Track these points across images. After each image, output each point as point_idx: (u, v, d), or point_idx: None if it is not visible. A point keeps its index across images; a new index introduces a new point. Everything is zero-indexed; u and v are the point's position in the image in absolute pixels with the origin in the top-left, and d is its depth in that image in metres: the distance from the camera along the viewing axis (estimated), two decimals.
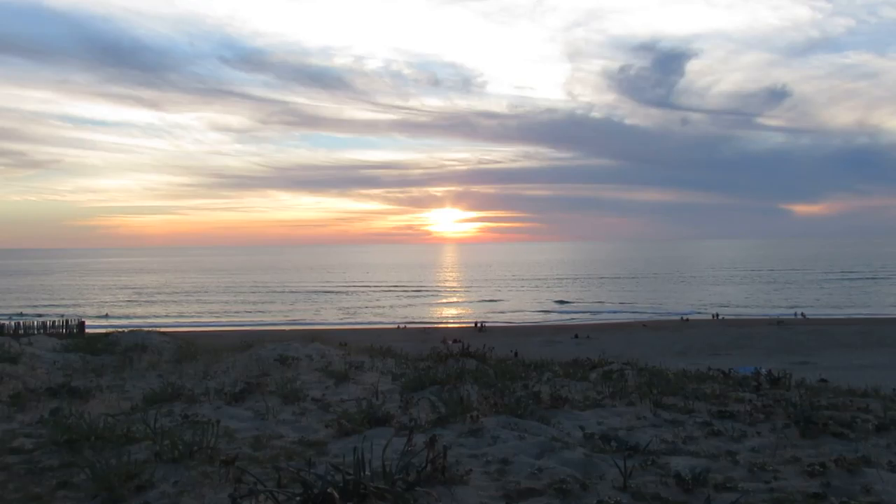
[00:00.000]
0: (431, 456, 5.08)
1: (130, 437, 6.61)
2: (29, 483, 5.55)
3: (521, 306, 70.63)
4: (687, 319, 52.56)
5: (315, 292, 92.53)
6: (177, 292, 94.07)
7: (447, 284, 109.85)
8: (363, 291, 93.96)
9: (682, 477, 5.10)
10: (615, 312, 62.58)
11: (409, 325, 52.32)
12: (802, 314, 54.32)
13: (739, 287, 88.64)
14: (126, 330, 18.90)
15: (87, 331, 26.17)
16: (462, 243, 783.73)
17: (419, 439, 5.85)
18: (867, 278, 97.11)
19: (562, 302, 72.16)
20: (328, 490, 4.27)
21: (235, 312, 67.77)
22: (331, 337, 18.13)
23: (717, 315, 55.15)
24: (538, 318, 60.84)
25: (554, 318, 58.97)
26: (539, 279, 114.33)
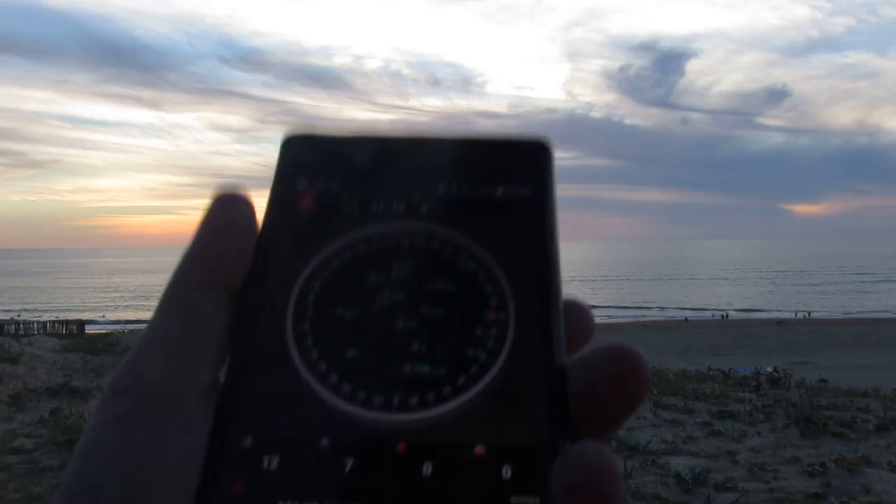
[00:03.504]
0: None
1: None
2: (29, 483, 5.54)
3: None
4: (687, 319, 52.67)
5: None
6: None
7: None
8: None
9: (682, 477, 5.09)
10: (620, 316, 62.69)
11: None
12: (808, 314, 54.33)
13: (740, 287, 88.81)
14: (126, 330, 18.97)
15: (87, 331, 26.24)
16: None
17: None
18: (868, 280, 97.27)
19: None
20: None
21: None
22: None
23: (726, 315, 55.08)
24: None
25: None
26: None
